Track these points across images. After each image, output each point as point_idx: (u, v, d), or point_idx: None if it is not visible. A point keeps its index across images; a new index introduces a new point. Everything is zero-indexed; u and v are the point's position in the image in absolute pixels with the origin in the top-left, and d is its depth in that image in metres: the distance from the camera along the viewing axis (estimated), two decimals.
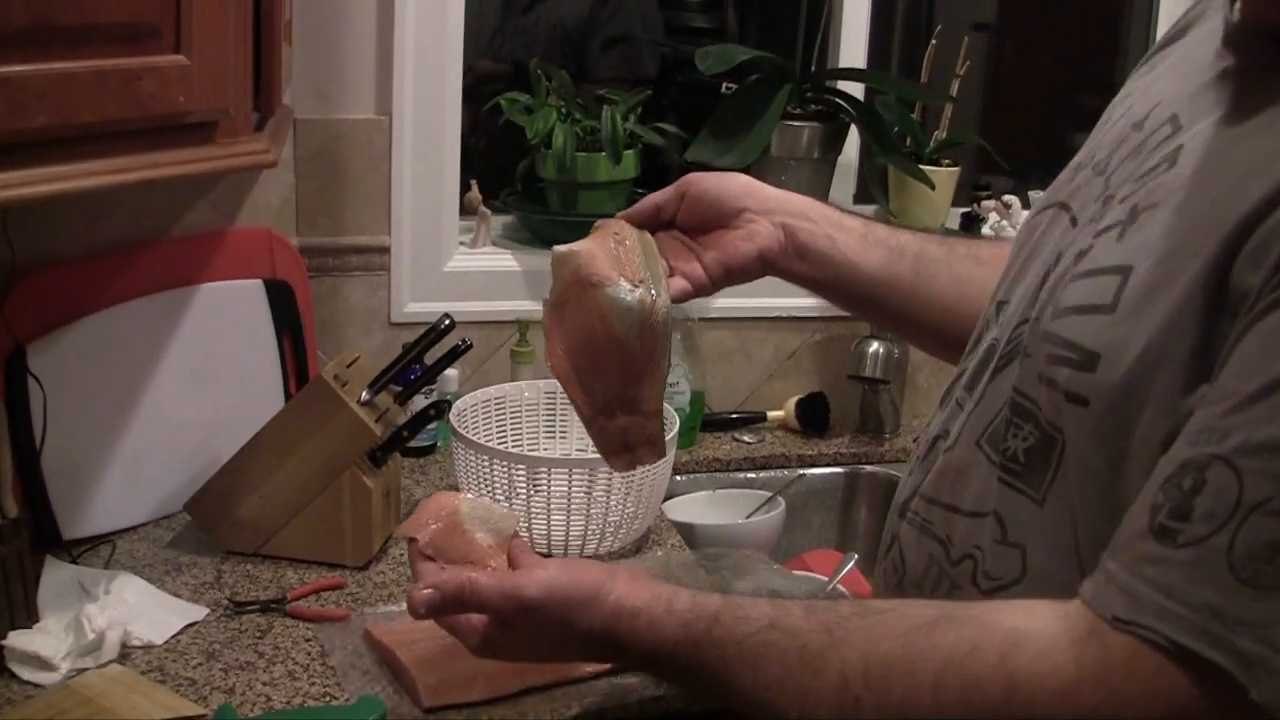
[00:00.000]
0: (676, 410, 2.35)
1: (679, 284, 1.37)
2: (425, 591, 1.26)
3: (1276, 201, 0.91)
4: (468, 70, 2.89)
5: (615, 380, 1.33)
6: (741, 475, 2.56)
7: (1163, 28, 2.98)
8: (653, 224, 1.44)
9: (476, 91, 3.26)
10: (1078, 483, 1.03)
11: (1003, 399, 1.13)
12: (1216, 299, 0.93)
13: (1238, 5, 1.09)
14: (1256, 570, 0.85)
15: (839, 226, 1.47)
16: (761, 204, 1.44)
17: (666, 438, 1.86)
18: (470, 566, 1.35)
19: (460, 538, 1.39)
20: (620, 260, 1.33)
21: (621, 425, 1.36)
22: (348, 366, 1.94)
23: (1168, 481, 0.90)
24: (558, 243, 2.45)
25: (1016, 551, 1.09)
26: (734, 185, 1.45)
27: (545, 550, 1.95)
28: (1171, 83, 1.18)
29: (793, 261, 1.44)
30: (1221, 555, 0.86)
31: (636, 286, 1.30)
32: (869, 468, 2.64)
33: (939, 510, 1.19)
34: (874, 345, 2.58)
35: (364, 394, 1.90)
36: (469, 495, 1.54)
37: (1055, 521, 1.05)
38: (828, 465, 2.63)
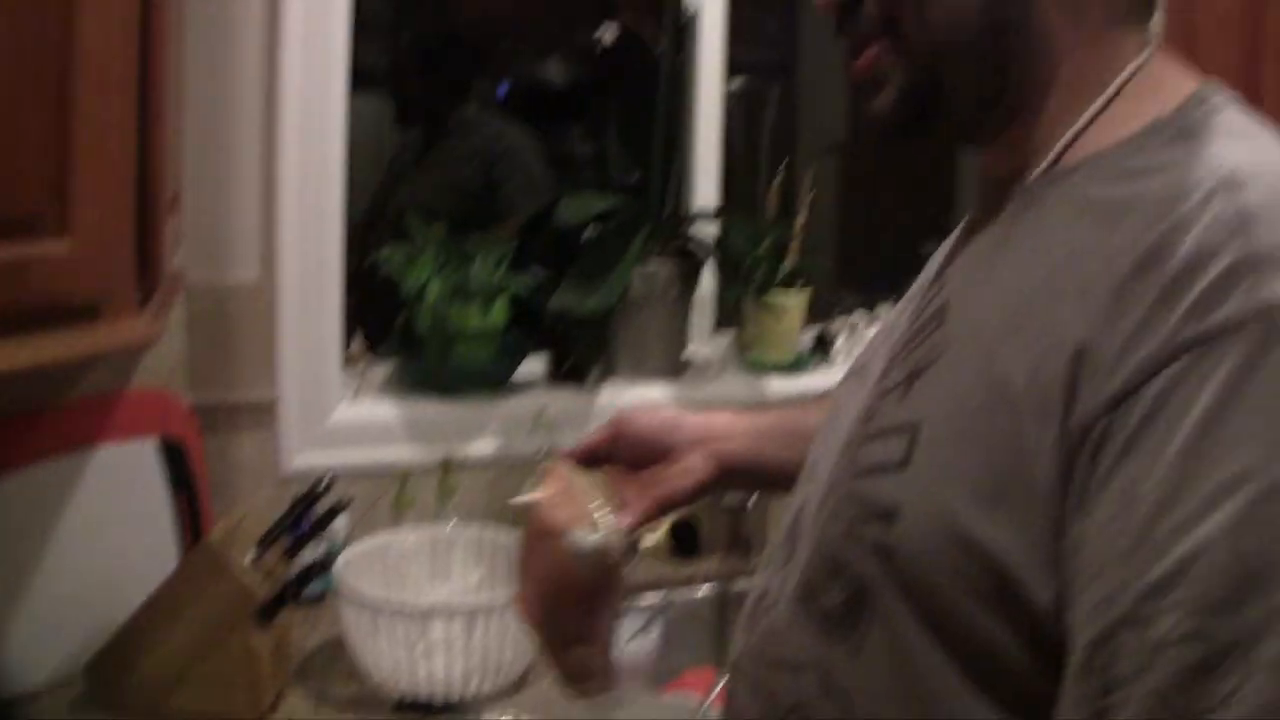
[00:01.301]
0: None
1: (627, 519, 1.38)
2: None
3: (1040, 360, 0.95)
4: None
5: (574, 619, 1.37)
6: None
7: None
8: (592, 464, 1.47)
9: (371, 220, 3.43)
10: (893, 630, 1.03)
11: (816, 556, 1.14)
12: (1007, 453, 0.96)
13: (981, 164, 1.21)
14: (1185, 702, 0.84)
15: (761, 436, 1.52)
16: (690, 437, 1.48)
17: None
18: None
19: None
20: (574, 504, 1.37)
21: (577, 656, 1.39)
22: (235, 527, 1.99)
23: (1083, 672, 0.91)
24: (437, 391, 2.60)
25: (840, 703, 1.11)
26: (661, 424, 1.49)
27: (429, 694, 2.00)
28: (949, 244, 1.27)
29: (730, 481, 1.50)
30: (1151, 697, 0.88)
31: (592, 532, 1.33)
32: (740, 584, 2.71)
33: (764, 667, 1.21)
34: None
35: (251, 554, 1.96)
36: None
37: (873, 669, 1.05)
38: (701, 586, 2.70)
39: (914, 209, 4.51)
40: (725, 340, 3.11)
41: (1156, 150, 1.01)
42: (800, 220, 3.02)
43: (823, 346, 3.09)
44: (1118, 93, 1.07)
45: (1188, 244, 0.90)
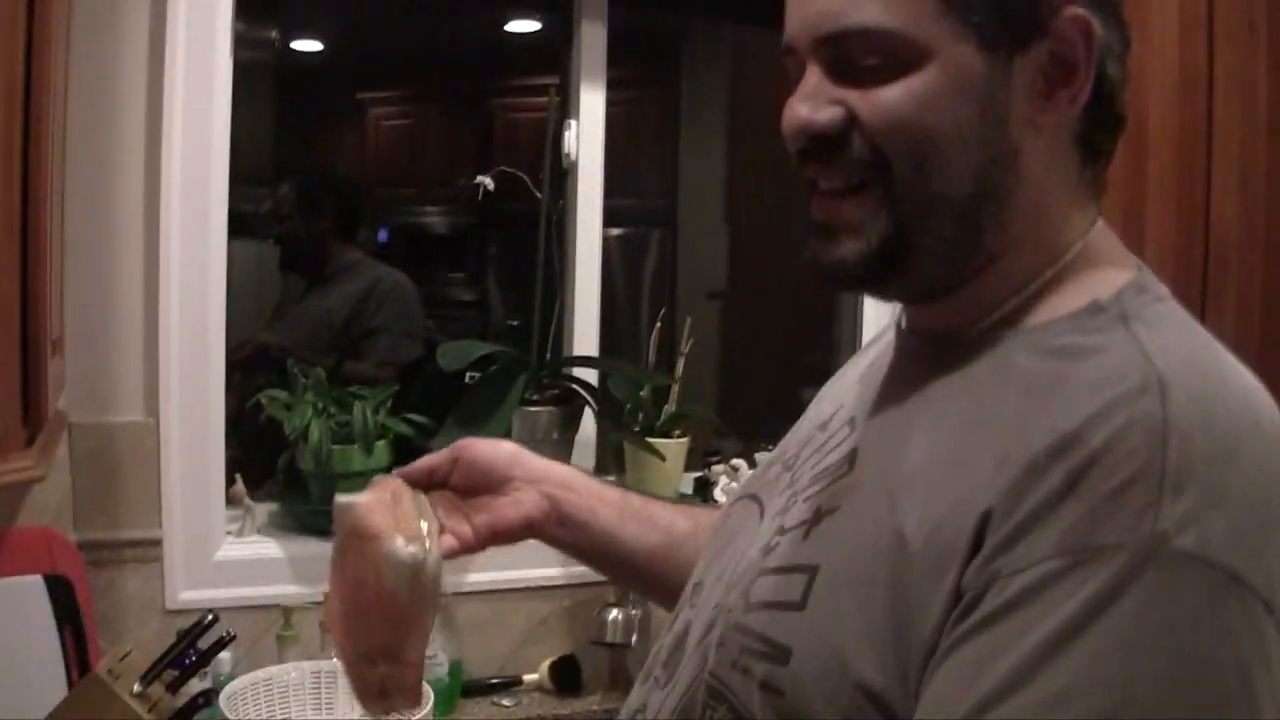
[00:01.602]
0: (434, 680, 2.47)
1: (448, 541, 1.36)
2: None
3: (942, 521, 0.97)
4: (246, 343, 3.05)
5: (380, 630, 1.32)
6: None
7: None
8: (425, 484, 1.44)
9: (255, 361, 3.44)
10: None
11: (698, 680, 1.15)
12: (899, 605, 0.98)
13: (904, 316, 1.22)
14: None
15: (600, 499, 1.50)
16: (529, 473, 1.47)
17: (424, 710, 2.00)
18: None
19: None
20: (396, 515, 1.33)
21: (381, 673, 1.34)
22: (121, 660, 1.99)
23: None
24: (319, 532, 2.62)
25: None
26: (503, 454, 1.48)
27: None
28: (855, 388, 1.26)
29: (556, 529, 1.48)
30: None
31: (410, 543, 1.30)
32: None
33: None
34: (613, 613, 2.72)
35: (136, 686, 1.95)
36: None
37: None
38: None
39: (794, 356, 4.57)
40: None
41: (1091, 332, 1.03)
42: (679, 367, 3.09)
43: (703, 490, 3.14)
44: (1066, 265, 1.10)
45: (1104, 441, 0.93)
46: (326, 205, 4.05)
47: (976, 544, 0.95)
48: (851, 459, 1.15)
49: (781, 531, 1.16)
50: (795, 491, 1.20)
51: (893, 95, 1.04)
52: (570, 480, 1.51)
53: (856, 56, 1.05)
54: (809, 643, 1.04)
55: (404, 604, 1.31)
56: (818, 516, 1.12)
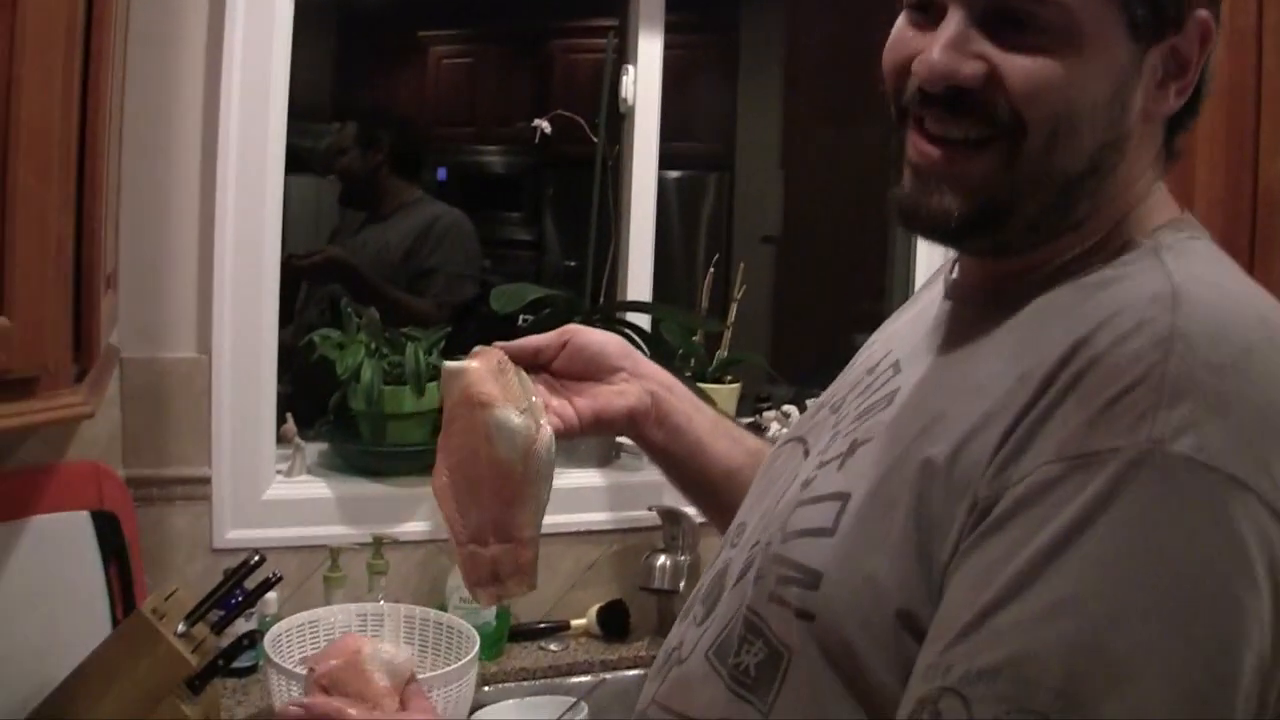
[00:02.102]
0: (482, 625, 2.48)
1: (553, 420, 1.39)
2: (294, 708, 1.35)
3: (967, 441, 1.01)
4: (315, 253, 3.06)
5: (492, 505, 1.32)
6: (548, 682, 2.62)
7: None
8: (528, 364, 1.46)
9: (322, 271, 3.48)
10: (808, 695, 1.07)
11: (736, 615, 1.17)
12: (923, 526, 1.01)
13: (956, 265, 1.25)
14: None
15: (696, 407, 1.55)
16: (636, 368, 1.51)
17: (472, 653, 1.99)
18: (361, 704, 1.36)
19: (359, 677, 1.38)
20: (505, 384, 1.33)
21: (493, 554, 1.33)
22: (166, 599, 2.00)
23: (909, 719, 0.95)
24: (369, 473, 2.62)
25: None
26: (614, 345, 1.52)
27: None
28: (904, 333, 1.30)
29: (653, 428, 1.51)
30: None
31: (522, 413, 1.31)
32: None
33: (671, 718, 1.23)
34: (661, 559, 2.71)
35: (181, 625, 1.97)
36: (374, 637, 1.57)
37: None
38: (630, 668, 2.71)
39: (846, 302, 4.56)
40: None
41: (1123, 264, 1.06)
42: (732, 313, 3.08)
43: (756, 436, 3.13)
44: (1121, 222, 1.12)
45: (1108, 344, 0.95)
46: (385, 141, 4.05)
47: (994, 459, 0.98)
48: (891, 397, 1.18)
49: (821, 466, 1.20)
50: (838, 431, 1.24)
51: (1045, 65, 1.05)
52: (673, 384, 1.55)
53: (1022, 17, 1.05)
54: (839, 566, 1.07)
55: (519, 476, 1.31)
56: (853, 448, 1.16)
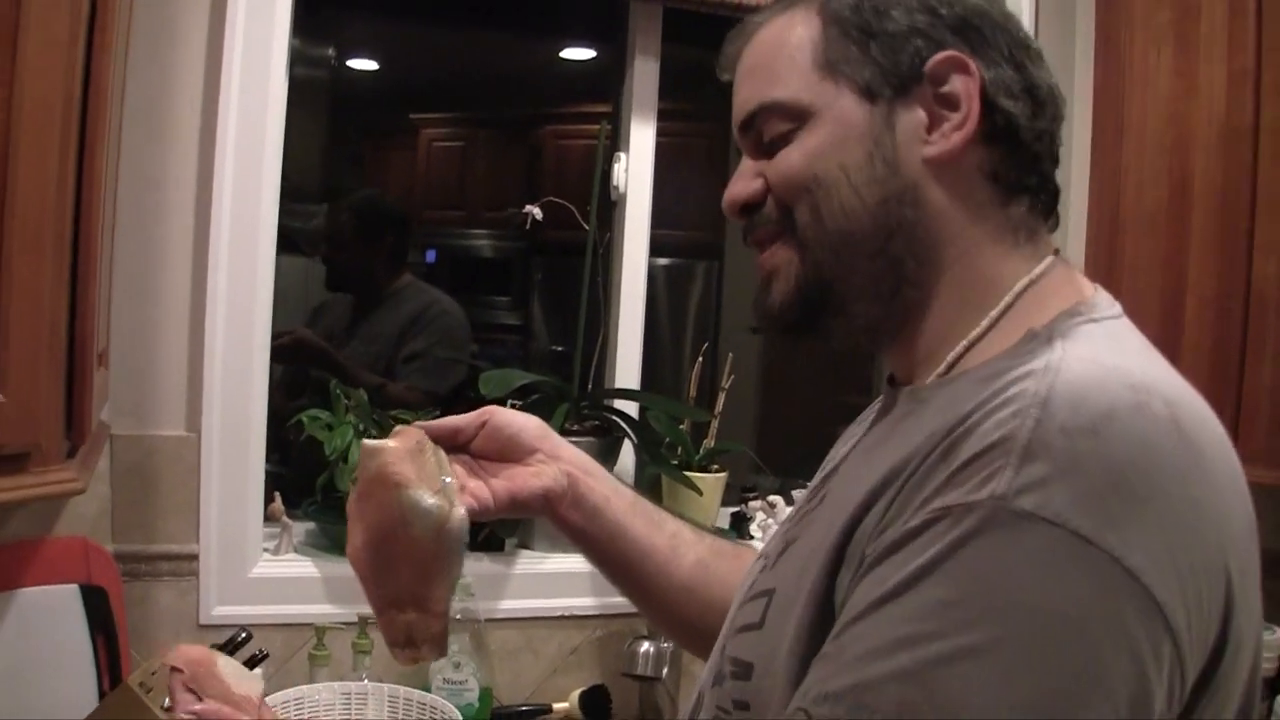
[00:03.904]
0: (465, 706, 2.48)
1: (468, 500, 1.40)
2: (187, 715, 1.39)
3: (861, 514, 1.06)
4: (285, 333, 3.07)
5: (408, 577, 1.35)
6: None
7: None
8: (447, 444, 1.47)
9: (290, 353, 3.47)
10: None
11: (708, 711, 1.25)
12: (824, 610, 1.07)
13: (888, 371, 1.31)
14: None
15: (614, 490, 1.56)
16: (553, 450, 1.52)
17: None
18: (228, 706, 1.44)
19: (218, 682, 1.50)
20: (419, 465, 1.35)
21: (408, 620, 1.37)
22: (153, 673, 2.02)
23: None
24: None
25: None
26: (533, 426, 1.53)
27: None
28: (849, 436, 1.40)
29: (570, 510, 1.52)
30: None
31: (435, 494, 1.32)
32: None
33: None
34: (644, 645, 2.70)
35: (167, 700, 1.98)
36: (220, 654, 1.61)
37: None
38: None
39: (833, 394, 4.57)
40: None
41: (1017, 355, 1.08)
42: (719, 403, 3.10)
43: (740, 525, 3.14)
44: (1009, 307, 1.16)
45: (981, 415, 1.00)
46: (383, 234, 4.08)
47: (878, 524, 1.04)
48: (824, 496, 1.26)
49: (762, 568, 1.29)
50: (781, 532, 1.32)
51: (788, 154, 1.21)
52: (590, 467, 1.56)
53: (765, 131, 1.23)
54: (764, 658, 1.13)
55: (431, 553, 1.33)
56: (786, 547, 1.24)
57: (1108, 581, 0.91)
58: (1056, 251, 1.23)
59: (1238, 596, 0.99)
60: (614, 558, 1.58)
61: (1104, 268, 2.64)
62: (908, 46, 1.17)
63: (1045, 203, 1.22)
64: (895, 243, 1.17)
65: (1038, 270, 1.18)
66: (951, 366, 1.16)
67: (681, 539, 1.59)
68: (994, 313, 1.16)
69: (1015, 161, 1.19)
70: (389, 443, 1.37)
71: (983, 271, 1.18)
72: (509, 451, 1.52)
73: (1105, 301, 1.17)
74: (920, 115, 1.17)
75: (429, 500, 1.32)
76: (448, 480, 1.37)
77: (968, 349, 1.16)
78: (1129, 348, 1.10)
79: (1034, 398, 0.98)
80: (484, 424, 1.51)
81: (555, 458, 1.53)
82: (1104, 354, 1.05)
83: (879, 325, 1.22)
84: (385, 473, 1.34)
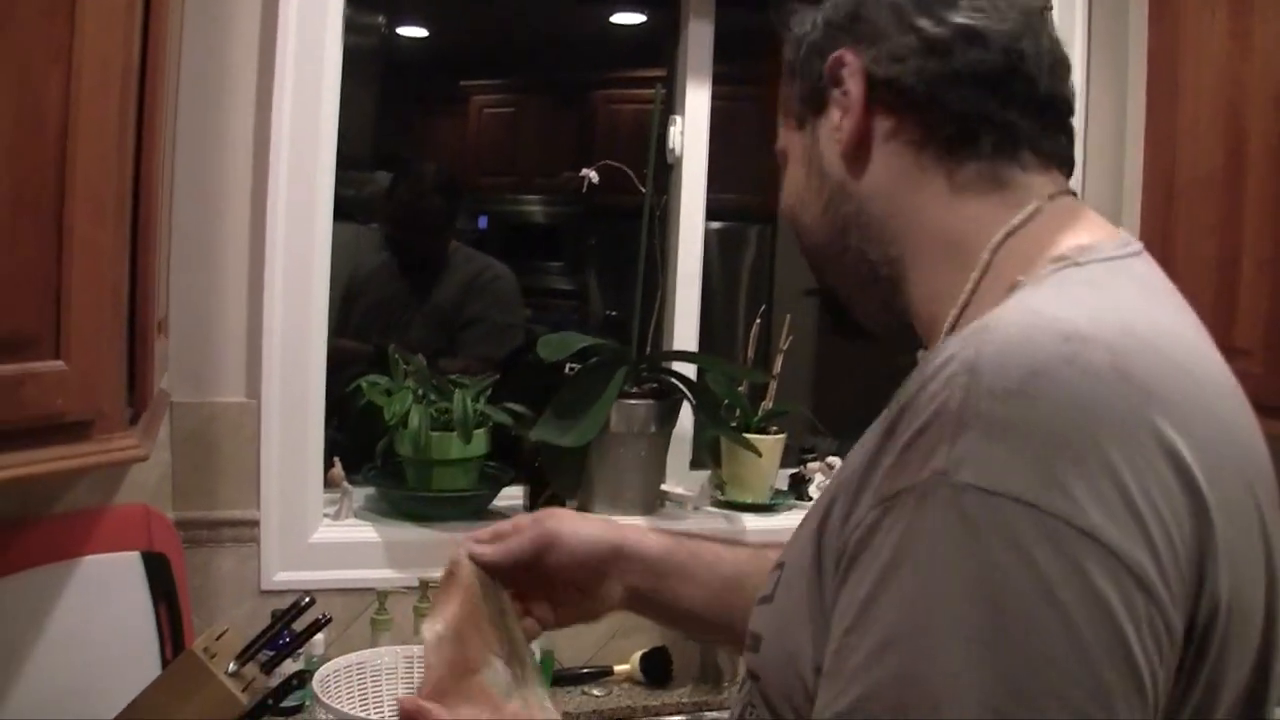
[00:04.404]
0: None
1: (531, 625, 1.43)
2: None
3: (837, 501, 1.04)
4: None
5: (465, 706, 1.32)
6: None
7: None
8: (506, 574, 1.45)
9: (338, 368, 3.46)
10: None
11: (746, 685, 1.24)
12: (818, 586, 1.05)
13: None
14: None
15: (685, 578, 1.51)
16: (621, 564, 1.48)
17: None
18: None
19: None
20: (482, 628, 1.34)
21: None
22: (217, 639, 2.01)
23: None
24: (416, 515, 2.62)
25: None
26: (598, 551, 1.47)
27: None
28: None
29: (641, 609, 1.55)
30: None
31: (507, 662, 1.33)
32: (710, 715, 2.72)
33: None
34: None
35: (231, 665, 1.97)
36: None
37: None
38: (672, 714, 2.71)
39: (888, 356, 4.55)
40: (701, 478, 3.14)
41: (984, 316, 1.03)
42: (777, 364, 3.09)
43: (798, 487, 3.14)
44: (988, 264, 1.12)
45: (918, 390, 0.96)
46: (436, 204, 4.07)
47: (847, 512, 1.02)
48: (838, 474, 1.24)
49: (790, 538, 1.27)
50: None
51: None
52: (659, 560, 1.51)
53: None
54: (772, 630, 1.15)
55: (498, 702, 1.33)
56: (804, 523, 1.19)
57: (1064, 546, 0.88)
58: (1062, 194, 1.16)
59: (1220, 533, 0.94)
60: (691, 629, 1.64)
61: (1159, 231, 2.62)
62: (813, 67, 1.23)
63: (1009, 142, 1.15)
64: (850, 237, 1.23)
65: (1017, 219, 1.12)
66: (951, 333, 1.11)
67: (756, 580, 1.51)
68: (974, 273, 1.12)
69: (931, 118, 1.16)
70: (444, 627, 1.35)
71: (946, 234, 1.15)
72: (571, 581, 1.49)
73: (1113, 244, 1.10)
74: (833, 119, 1.21)
75: (503, 674, 1.33)
76: (511, 632, 1.38)
77: (960, 314, 1.12)
78: (1108, 292, 1.04)
79: (962, 364, 0.93)
80: (546, 544, 1.47)
81: (622, 572, 1.49)
82: (1051, 303, 1.00)
83: (882, 310, 1.25)
84: (456, 664, 1.33)
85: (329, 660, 2.22)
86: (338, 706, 2.04)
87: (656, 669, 2.80)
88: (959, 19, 1.15)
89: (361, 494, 2.86)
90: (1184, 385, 0.97)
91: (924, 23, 1.16)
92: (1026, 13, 1.17)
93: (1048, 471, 0.89)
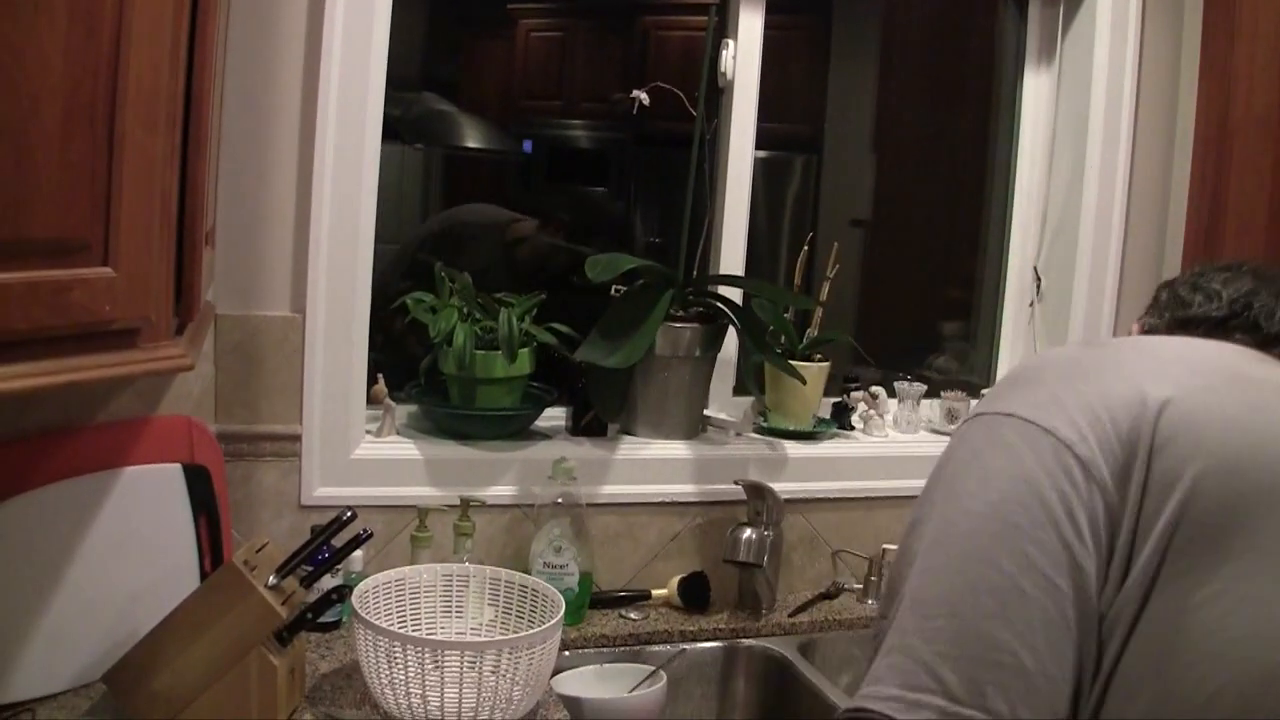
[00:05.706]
0: (565, 590, 2.49)
1: None
2: None
3: None
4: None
5: None
6: (627, 650, 2.63)
7: (1018, 216, 3.26)
8: None
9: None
10: None
11: None
12: None
13: None
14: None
15: None
16: None
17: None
18: None
19: None
20: None
21: None
22: (257, 552, 2.03)
23: None
24: (458, 434, 2.64)
25: None
26: None
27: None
28: None
29: None
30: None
31: None
32: (746, 642, 2.75)
33: None
34: (747, 532, 2.71)
35: (271, 578, 1.99)
36: None
37: None
38: (708, 640, 2.73)
39: (936, 288, 4.53)
40: (744, 404, 3.14)
41: None
42: (824, 291, 3.07)
43: (841, 416, 3.13)
44: None
45: None
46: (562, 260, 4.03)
47: None
48: None
49: None
50: None
51: None
52: None
53: None
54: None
55: None
56: None
57: (994, 427, 1.33)
58: None
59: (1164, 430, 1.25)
60: None
61: (1212, 173, 2.59)
62: None
63: None
64: None
65: None
66: None
67: None
68: None
69: None
70: None
71: None
72: None
73: None
74: None
75: None
76: None
77: None
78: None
79: None
80: None
81: None
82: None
83: None
84: None
85: (368, 576, 2.22)
86: (376, 622, 2.04)
87: (694, 594, 2.81)
88: None
89: (404, 411, 2.86)
90: (1146, 343, 1.52)
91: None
92: None
93: (998, 395, 1.40)
